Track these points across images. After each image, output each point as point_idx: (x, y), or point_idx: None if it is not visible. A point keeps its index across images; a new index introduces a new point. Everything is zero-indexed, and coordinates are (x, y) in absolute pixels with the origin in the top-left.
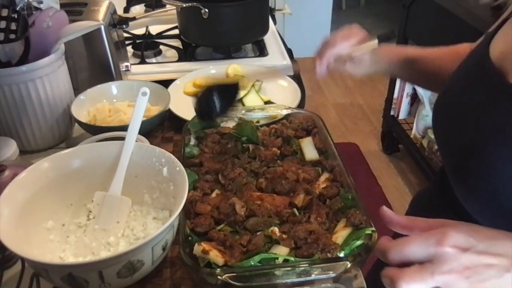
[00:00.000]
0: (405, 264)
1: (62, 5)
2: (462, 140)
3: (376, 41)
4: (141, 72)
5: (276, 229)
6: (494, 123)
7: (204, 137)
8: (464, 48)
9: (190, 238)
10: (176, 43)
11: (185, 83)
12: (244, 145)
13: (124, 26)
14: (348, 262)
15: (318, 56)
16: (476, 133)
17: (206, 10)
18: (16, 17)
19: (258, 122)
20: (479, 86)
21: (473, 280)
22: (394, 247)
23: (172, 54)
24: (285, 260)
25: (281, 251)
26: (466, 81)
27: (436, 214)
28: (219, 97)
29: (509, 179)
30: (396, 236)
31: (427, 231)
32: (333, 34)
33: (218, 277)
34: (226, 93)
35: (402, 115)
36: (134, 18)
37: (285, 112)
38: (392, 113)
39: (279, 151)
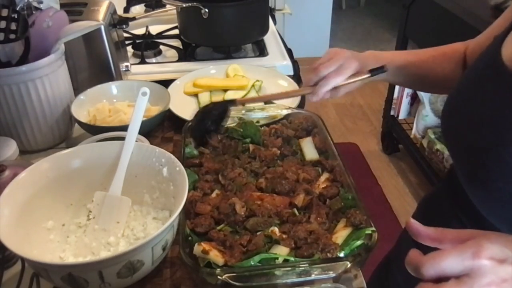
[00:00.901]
0: (440, 279)
1: (62, 5)
2: (478, 143)
3: (368, 75)
4: (141, 72)
5: (276, 229)
6: (506, 121)
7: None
8: (453, 48)
9: (190, 238)
10: (176, 43)
11: (185, 83)
12: (244, 145)
13: (124, 26)
14: (348, 262)
15: (313, 91)
16: (494, 134)
17: (206, 10)
18: (16, 17)
19: (258, 122)
20: (493, 89)
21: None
22: (428, 261)
23: (172, 54)
24: (285, 260)
25: (281, 251)
26: (478, 84)
27: (448, 219)
28: (210, 118)
29: None
30: (417, 247)
31: (458, 243)
32: (325, 67)
33: (218, 277)
34: (216, 113)
35: (402, 115)
36: (134, 18)
37: (285, 112)
38: (392, 113)
39: (279, 151)
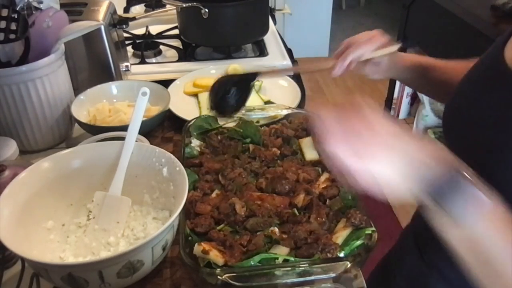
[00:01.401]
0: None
1: (62, 5)
2: (481, 144)
3: (396, 46)
4: (141, 72)
5: (276, 229)
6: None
7: (205, 138)
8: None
9: (190, 238)
10: (176, 43)
11: (185, 83)
12: (244, 145)
13: (124, 26)
14: (348, 262)
15: (340, 57)
16: (498, 136)
17: (206, 10)
18: (16, 17)
19: (258, 122)
20: (496, 90)
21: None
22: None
23: (172, 54)
24: (285, 260)
25: (281, 251)
26: (481, 85)
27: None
28: (235, 90)
29: None
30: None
31: None
32: (355, 37)
33: (218, 277)
34: (242, 85)
35: (402, 115)
36: (134, 18)
37: (285, 112)
38: (392, 113)
39: (279, 151)
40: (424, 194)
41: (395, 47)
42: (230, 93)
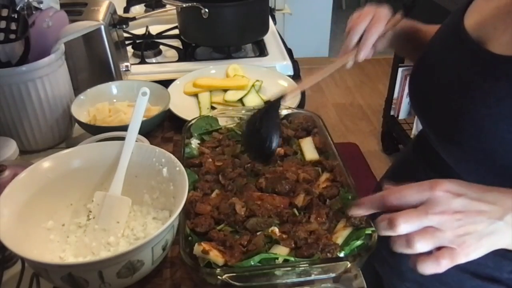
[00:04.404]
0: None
1: (62, 5)
2: (449, 106)
3: (400, 14)
4: (141, 72)
5: (276, 229)
6: (482, 89)
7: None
8: None
9: (190, 238)
10: (176, 43)
11: (185, 83)
12: None
13: (124, 26)
14: (348, 262)
15: (359, 45)
16: (466, 98)
17: (206, 10)
18: (16, 17)
19: None
20: (458, 55)
21: (464, 223)
22: (392, 192)
23: (172, 54)
24: (285, 260)
25: (281, 251)
26: (444, 51)
27: (418, 178)
28: (267, 130)
29: (502, 138)
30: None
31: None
32: (357, 22)
33: (218, 277)
34: (270, 116)
35: (402, 115)
36: (134, 18)
37: (285, 112)
38: (392, 113)
39: (283, 151)
40: None
41: (399, 15)
42: (261, 133)
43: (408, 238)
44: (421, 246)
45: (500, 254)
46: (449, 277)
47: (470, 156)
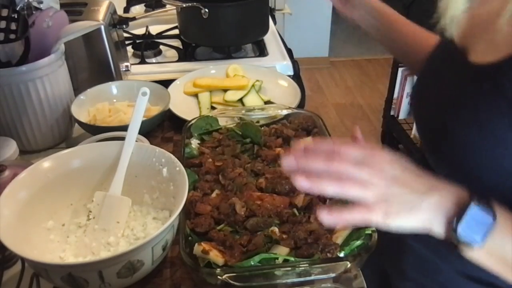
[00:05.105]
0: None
1: (62, 5)
2: (437, 123)
3: None
4: (141, 72)
5: (276, 229)
6: (457, 99)
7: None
8: (428, 41)
9: (190, 238)
10: (176, 43)
11: (185, 83)
12: (246, 145)
13: (124, 26)
14: (348, 262)
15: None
16: (448, 116)
17: (206, 10)
18: (16, 17)
19: (258, 122)
20: (447, 68)
21: (391, 188)
22: (338, 143)
23: (172, 54)
24: (285, 260)
25: (281, 251)
26: (438, 64)
27: None
28: None
29: (470, 149)
30: None
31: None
32: None
33: (218, 277)
34: None
35: (402, 115)
36: (134, 18)
37: (285, 112)
38: (392, 113)
39: (283, 151)
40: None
41: None
42: None
43: (339, 181)
44: (352, 190)
45: None
46: (448, 280)
47: (446, 163)
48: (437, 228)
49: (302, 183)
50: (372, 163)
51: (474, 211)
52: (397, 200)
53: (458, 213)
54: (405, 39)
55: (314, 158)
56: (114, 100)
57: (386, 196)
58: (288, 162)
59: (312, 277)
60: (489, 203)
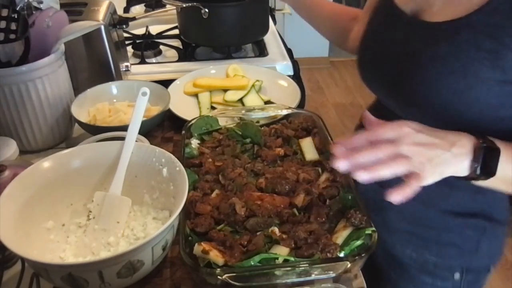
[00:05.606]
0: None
1: (62, 5)
2: (401, 74)
3: None
4: (141, 72)
5: (276, 229)
6: (426, 54)
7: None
8: (348, 15)
9: (190, 238)
10: (176, 43)
11: (185, 83)
12: (246, 145)
13: (124, 26)
14: (348, 262)
15: None
16: (414, 64)
17: (206, 10)
18: (16, 17)
19: (258, 122)
20: (399, 30)
21: (425, 153)
22: (370, 132)
23: (172, 54)
24: (285, 260)
25: (281, 251)
26: (383, 30)
27: None
28: None
29: (453, 90)
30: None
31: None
32: None
33: (218, 277)
34: None
35: None
36: (134, 18)
37: (285, 112)
38: None
39: (283, 151)
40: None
41: None
42: None
43: (389, 163)
44: (402, 167)
45: (474, 190)
46: (435, 220)
47: (428, 113)
48: (463, 172)
49: (364, 177)
50: (405, 137)
51: (487, 151)
52: (435, 161)
53: (477, 155)
54: (327, 12)
55: (361, 152)
56: (114, 100)
57: (426, 160)
58: (342, 165)
59: (312, 277)
60: (488, 139)
